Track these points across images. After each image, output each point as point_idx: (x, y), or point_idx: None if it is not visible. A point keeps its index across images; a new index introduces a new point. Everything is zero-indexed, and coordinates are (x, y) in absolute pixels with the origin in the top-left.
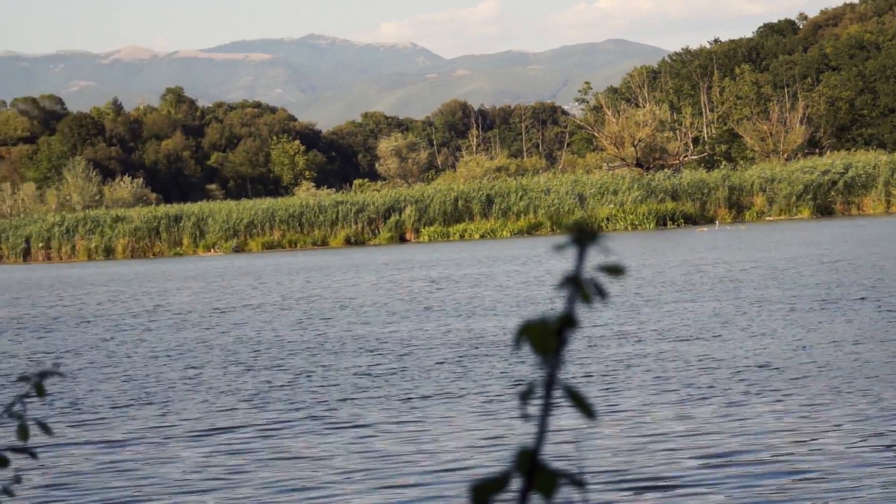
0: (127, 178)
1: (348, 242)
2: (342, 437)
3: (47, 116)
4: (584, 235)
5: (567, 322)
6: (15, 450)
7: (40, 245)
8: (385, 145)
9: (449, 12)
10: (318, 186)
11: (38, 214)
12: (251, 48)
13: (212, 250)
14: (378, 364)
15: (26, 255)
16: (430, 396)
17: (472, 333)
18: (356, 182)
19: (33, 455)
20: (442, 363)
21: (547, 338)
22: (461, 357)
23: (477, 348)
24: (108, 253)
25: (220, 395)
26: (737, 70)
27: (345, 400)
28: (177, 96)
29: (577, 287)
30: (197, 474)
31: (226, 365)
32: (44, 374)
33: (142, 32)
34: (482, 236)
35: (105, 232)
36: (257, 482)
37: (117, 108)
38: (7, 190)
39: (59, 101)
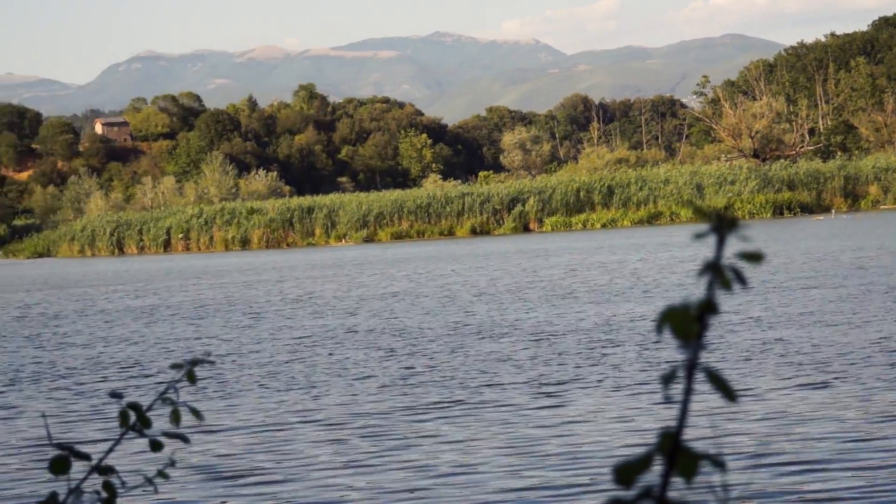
0: (262, 172)
1: (473, 232)
2: (484, 420)
3: (186, 113)
4: (723, 223)
5: (708, 308)
6: (169, 434)
7: (180, 236)
8: (509, 138)
9: (569, 9)
10: (444, 178)
11: (178, 207)
12: (380, 46)
13: (343, 240)
14: (517, 349)
15: (166, 245)
16: (568, 381)
17: (608, 319)
18: (481, 174)
19: (186, 440)
20: (579, 348)
21: (688, 323)
22: (598, 342)
23: (612, 333)
24: (245, 243)
25: (363, 380)
26: (852, 63)
27: (485, 385)
28: (309, 93)
29: (717, 273)
30: (342, 457)
31: (367, 350)
32: (195, 362)
33: (275, 32)
34: (603, 226)
35: (241, 223)
36: (401, 465)
37: (252, 104)
38: (148, 184)
39: (197, 99)
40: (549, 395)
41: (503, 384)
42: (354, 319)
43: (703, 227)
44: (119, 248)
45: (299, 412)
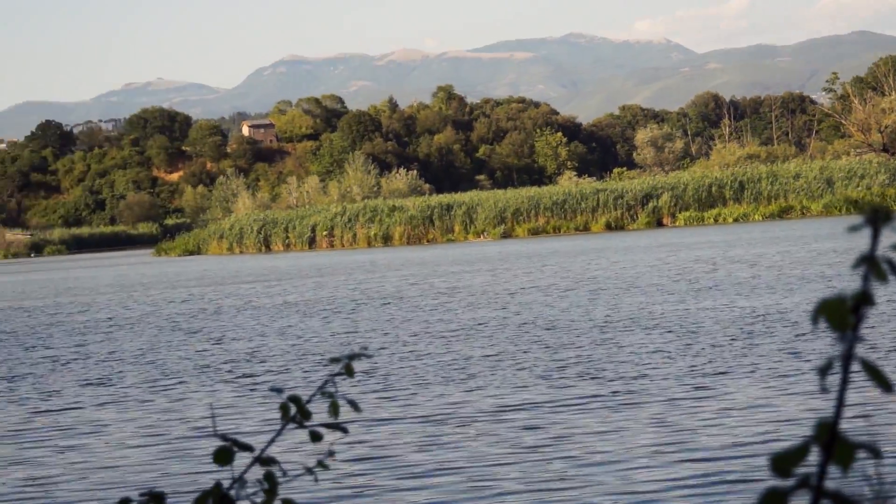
0: (402, 171)
1: (608, 227)
2: (635, 412)
3: (329, 115)
4: (878, 216)
5: (863, 299)
6: (327, 426)
7: (324, 233)
8: (642, 136)
9: (700, 9)
10: (579, 175)
11: (322, 205)
12: (515, 47)
13: (481, 236)
14: (666, 341)
15: (311, 242)
16: (719, 372)
17: (754, 310)
18: (615, 171)
19: (344, 430)
20: (729, 340)
21: (844, 314)
22: (747, 333)
23: (760, 325)
24: (386, 240)
25: (516, 372)
26: None
27: (637, 376)
28: (447, 94)
29: (873, 266)
30: (495, 448)
31: (520, 343)
32: (353, 356)
33: (414, 35)
34: (735, 220)
35: (383, 220)
36: (555, 456)
37: (392, 105)
38: (293, 183)
39: (340, 101)
40: (700, 386)
41: (654, 376)
42: (505, 312)
43: (857, 219)
44: (266, 245)
45: (454, 404)
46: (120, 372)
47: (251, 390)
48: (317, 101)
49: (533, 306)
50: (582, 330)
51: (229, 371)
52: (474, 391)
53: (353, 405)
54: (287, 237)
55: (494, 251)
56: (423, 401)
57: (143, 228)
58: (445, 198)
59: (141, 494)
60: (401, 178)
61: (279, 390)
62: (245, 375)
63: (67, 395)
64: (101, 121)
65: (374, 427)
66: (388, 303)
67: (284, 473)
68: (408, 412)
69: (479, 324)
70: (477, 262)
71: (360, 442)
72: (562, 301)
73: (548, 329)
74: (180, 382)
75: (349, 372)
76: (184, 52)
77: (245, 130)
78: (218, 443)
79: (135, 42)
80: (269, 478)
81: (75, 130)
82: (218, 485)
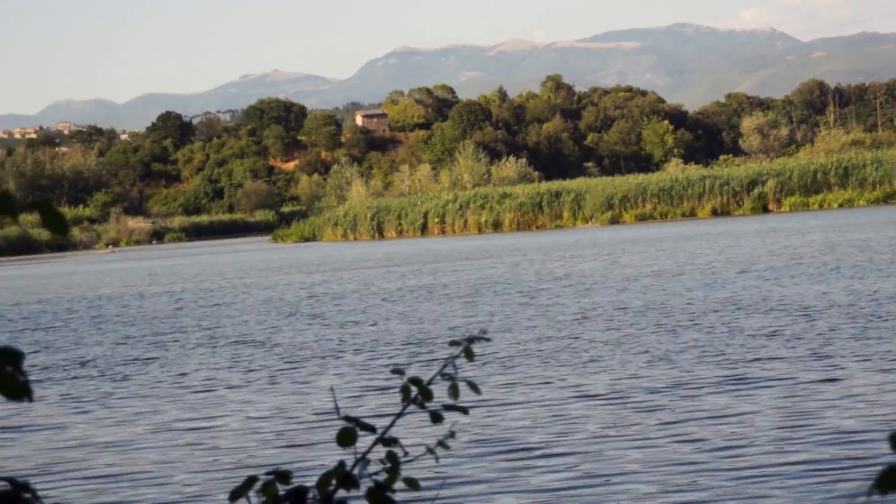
0: (512, 159)
1: (714, 213)
2: (756, 395)
3: (440, 104)
4: None
5: None
6: (448, 408)
7: (436, 220)
8: (748, 123)
9: None
10: (685, 162)
11: (434, 193)
12: (622, 37)
13: (589, 222)
14: (786, 324)
15: (423, 229)
16: (841, 355)
17: (875, 294)
18: (721, 158)
19: (464, 412)
20: (849, 323)
21: None
22: (867, 317)
23: (881, 308)
24: (496, 226)
25: (636, 355)
26: None
27: (757, 359)
28: (556, 83)
29: None
30: (617, 431)
31: (639, 326)
32: (472, 339)
33: (523, 26)
34: (840, 205)
35: (493, 207)
36: (676, 439)
37: (502, 95)
38: (406, 171)
39: (451, 91)
40: (821, 369)
41: (775, 358)
42: (622, 297)
43: None
44: (379, 232)
45: (574, 387)
46: (250, 355)
47: (374, 373)
48: (428, 91)
49: (650, 290)
50: (700, 313)
51: (352, 354)
52: (593, 374)
53: (473, 387)
54: (400, 224)
55: (605, 237)
56: (542, 383)
57: (260, 216)
58: (554, 185)
59: (267, 473)
60: (510, 166)
61: (401, 372)
62: (368, 358)
63: (196, 378)
64: (219, 112)
65: (494, 409)
66: (506, 287)
67: (406, 453)
68: (527, 395)
69: (597, 307)
70: (589, 248)
71: (479, 424)
72: (678, 285)
73: (666, 313)
74: (304, 366)
75: (468, 355)
76: (299, 44)
77: (358, 120)
78: (342, 424)
79: (251, 35)
80: (392, 458)
81: (194, 121)
82: (341, 464)
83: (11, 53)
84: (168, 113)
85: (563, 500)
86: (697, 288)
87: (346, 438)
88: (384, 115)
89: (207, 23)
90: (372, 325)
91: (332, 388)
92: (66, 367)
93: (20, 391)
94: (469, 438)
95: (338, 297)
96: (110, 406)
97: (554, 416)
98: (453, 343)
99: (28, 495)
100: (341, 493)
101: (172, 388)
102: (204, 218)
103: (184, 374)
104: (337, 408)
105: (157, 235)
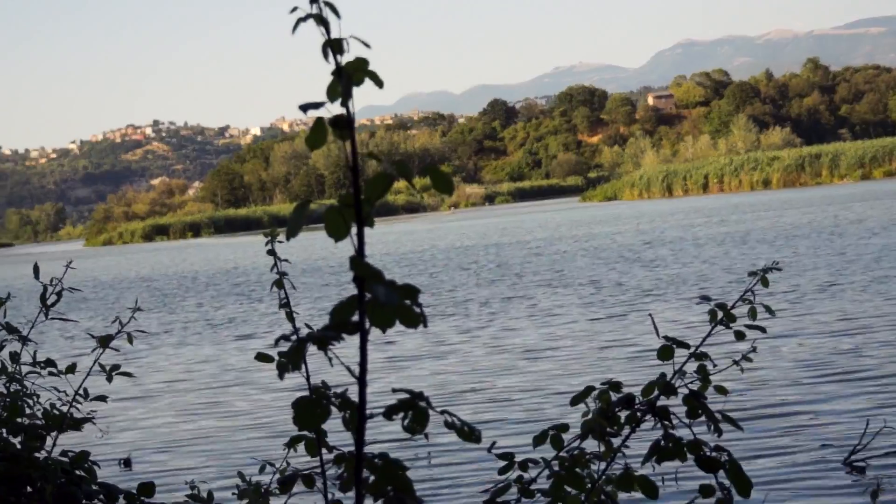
0: (777, 128)
1: None
2: None
3: (717, 86)
4: None
5: None
6: (749, 327)
7: (715, 180)
8: None
9: None
10: None
11: (712, 157)
12: (870, 24)
13: (843, 179)
14: None
15: (705, 187)
16: None
17: None
18: None
19: (762, 330)
20: None
21: None
22: None
23: None
24: (765, 184)
25: None
26: None
27: None
28: (814, 64)
29: None
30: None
31: None
32: (767, 269)
33: (786, 16)
34: None
35: (763, 168)
36: None
37: (769, 76)
38: (689, 141)
39: (726, 74)
40: None
41: None
42: None
43: None
44: (668, 191)
45: (870, 315)
46: (600, 291)
47: (690, 304)
48: (707, 74)
49: None
50: None
51: (667, 290)
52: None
53: (769, 310)
54: (685, 184)
55: (861, 190)
56: (840, 310)
57: (571, 181)
58: (814, 149)
59: (602, 384)
60: (776, 134)
61: (707, 299)
62: (684, 294)
63: (556, 307)
64: (536, 97)
65: (792, 332)
66: (797, 234)
67: (714, 366)
68: (824, 322)
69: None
70: (858, 200)
71: (778, 346)
72: None
73: None
74: (627, 299)
75: (764, 283)
76: (600, 38)
77: (650, 101)
78: (662, 342)
79: (561, 33)
80: (702, 370)
81: (517, 106)
82: (662, 375)
83: (373, 57)
84: (496, 100)
85: None
86: None
87: (665, 353)
88: (671, 96)
89: (525, 23)
90: (684, 266)
91: (650, 315)
92: (452, 305)
93: (416, 320)
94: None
95: (653, 242)
96: (497, 336)
97: (858, 343)
98: (751, 273)
99: (423, 404)
100: (662, 400)
101: (539, 316)
102: (526, 183)
103: (535, 306)
104: (656, 329)
105: (489, 198)
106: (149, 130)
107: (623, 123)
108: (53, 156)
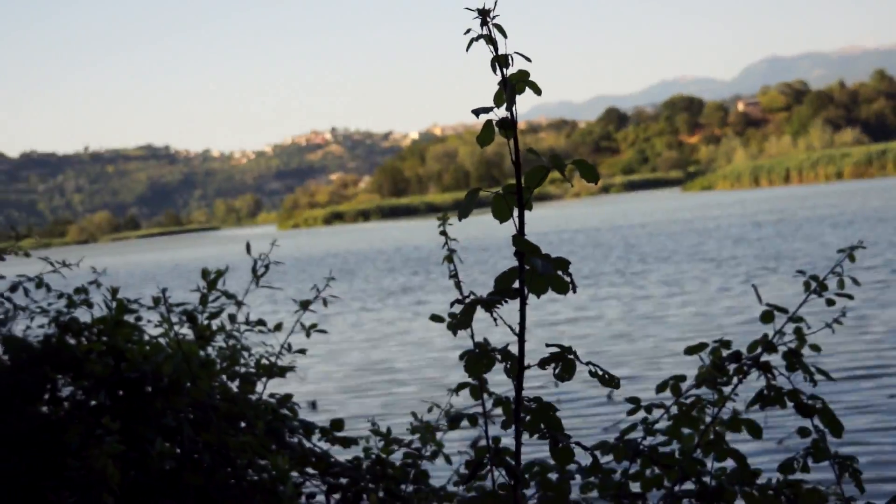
0: (848, 129)
1: None
2: None
3: (797, 94)
4: None
5: None
6: (839, 295)
7: (795, 173)
8: None
9: None
10: None
11: (793, 154)
12: None
13: None
14: None
15: (786, 179)
16: None
17: None
18: None
19: (849, 297)
20: None
21: None
22: None
23: None
24: (838, 176)
25: None
26: None
27: None
28: (881, 75)
29: None
30: None
31: None
32: (854, 248)
33: (857, 34)
34: None
35: (836, 163)
36: None
37: (841, 85)
38: (773, 141)
39: (804, 84)
40: None
41: None
42: None
43: None
44: (756, 182)
45: None
46: None
47: (789, 276)
48: (789, 85)
49: None
50: None
51: (770, 264)
52: None
53: (855, 282)
54: (770, 176)
55: None
56: None
57: (673, 174)
58: (880, 146)
59: (714, 340)
60: (848, 134)
61: (803, 272)
62: (784, 268)
63: None
64: (645, 105)
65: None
66: (882, 217)
67: (809, 328)
68: None
69: None
70: None
71: None
72: None
73: None
74: (735, 272)
75: (851, 258)
76: (698, 54)
77: (740, 107)
78: (764, 308)
79: (666, 48)
80: (798, 332)
81: (629, 113)
82: (765, 336)
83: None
84: (611, 108)
85: None
86: None
87: (767, 317)
88: (758, 103)
89: (635, 40)
90: (792, 241)
91: (753, 285)
92: (591, 276)
93: (566, 287)
94: None
95: (765, 225)
96: (628, 303)
97: None
98: (840, 251)
99: (571, 356)
100: (765, 356)
101: (660, 287)
102: (635, 176)
103: (657, 278)
104: (759, 297)
105: (605, 189)
106: (328, 135)
107: (717, 126)
108: (252, 156)
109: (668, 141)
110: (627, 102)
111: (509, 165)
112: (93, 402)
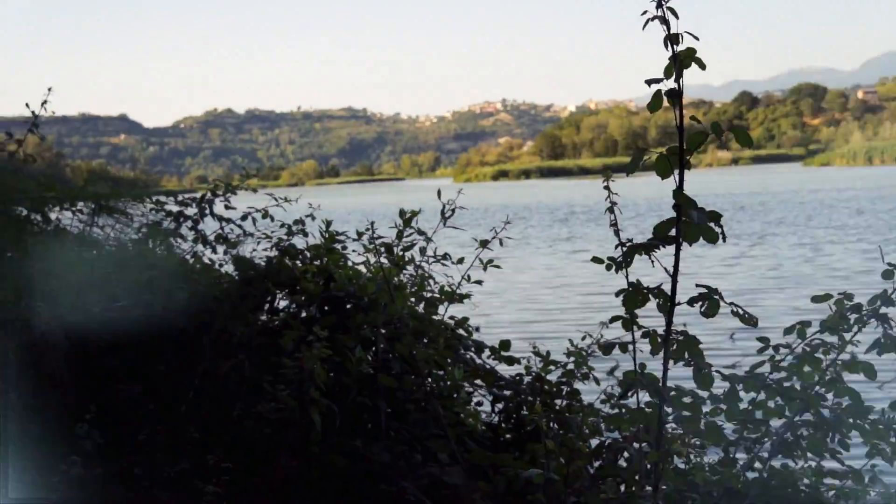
0: None
1: None
2: None
3: None
4: None
5: None
6: None
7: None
8: None
9: None
10: None
11: None
12: None
13: None
14: None
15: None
16: None
17: None
18: None
19: None
20: None
21: None
22: None
23: None
24: None
25: None
26: None
27: None
28: None
29: None
30: None
31: None
32: None
33: None
34: None
35: None
36: None
37: None
38: (888, 125)
39: None
40: None
41: None
42: None
43: None
44: (870, 161)
45: None
46: None
47: None
48: None
49: None
50: None
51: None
52: None
53: None
54: (883, 156)
55: None
56: None
57: (795, 151)
58: None
59: (839, 293)
60: None
61: None
62: None
63: None
64: (774, 90)
65: None
66: None
67: None
68: None
69: None
70: None
71: None
72: None
73: None
74: (862, 236)
75: None
76: (823, 45)
77: (859, 95)
78: (886, 267)
79: (794, 39)
80: None
81: (759, 96)
82: (884, 291)
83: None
84: (744, 91)
85: None
86: None
87: (888, 274)
88: (875, 92)
89: (767, 32)
90: None
91: (879, 246)
92: (733, 235)
93: (716, 237)
94: None
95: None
96: (762, 257)
97: None
98: None
99: (716, 296)
100: (883, 309)
101: (794, 248)
102: (762, 151)
103: (791, 241)
104: (882, 256)
105: (734, 161)
106: (498, 105)
107: (838, 111)
108: (434, 120)
109: (793, 122)
110: (759, 87)
111: (653, 136)
112: (304, 314)
